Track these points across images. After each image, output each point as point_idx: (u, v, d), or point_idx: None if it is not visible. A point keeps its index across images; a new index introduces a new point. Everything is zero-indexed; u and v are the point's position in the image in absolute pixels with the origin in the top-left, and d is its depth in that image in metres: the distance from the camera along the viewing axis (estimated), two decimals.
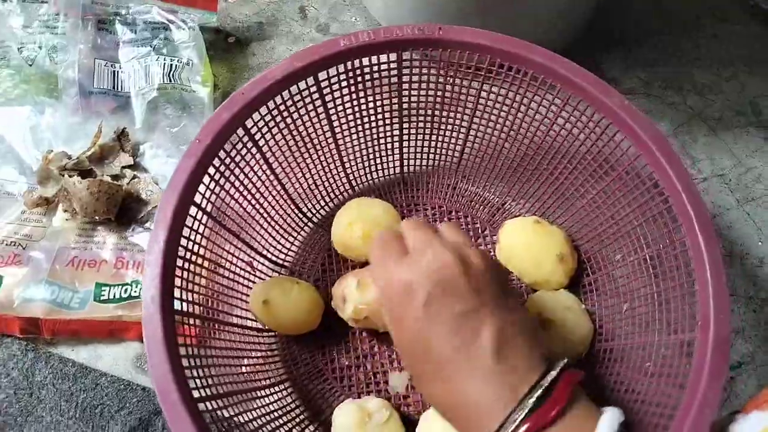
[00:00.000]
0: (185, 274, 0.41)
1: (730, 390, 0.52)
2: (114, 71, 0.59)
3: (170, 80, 0.58)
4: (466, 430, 0.34)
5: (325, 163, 0.54)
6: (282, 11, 0.67)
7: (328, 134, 0.52)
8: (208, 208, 0.45)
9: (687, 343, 0.40)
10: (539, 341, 0.36)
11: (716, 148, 0.62)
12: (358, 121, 0.53)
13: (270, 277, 0.53)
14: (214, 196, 0.45)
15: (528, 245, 0.51)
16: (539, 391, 0.32)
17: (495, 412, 0.32)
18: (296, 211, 0.55)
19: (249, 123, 0.46)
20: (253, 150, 0.48)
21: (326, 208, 0.57)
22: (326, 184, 0.56)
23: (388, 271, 0.36)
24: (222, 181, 0.46)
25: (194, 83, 0.59)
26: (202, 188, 0.43)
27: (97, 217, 0.53)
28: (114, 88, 0.59)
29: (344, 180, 0.57)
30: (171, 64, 0.59)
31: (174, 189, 0.41)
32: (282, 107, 0.47)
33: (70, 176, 0.54)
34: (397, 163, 0.58)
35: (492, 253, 0.55)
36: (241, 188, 0.48)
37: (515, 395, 0.32)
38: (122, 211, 0.55)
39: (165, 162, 0.57)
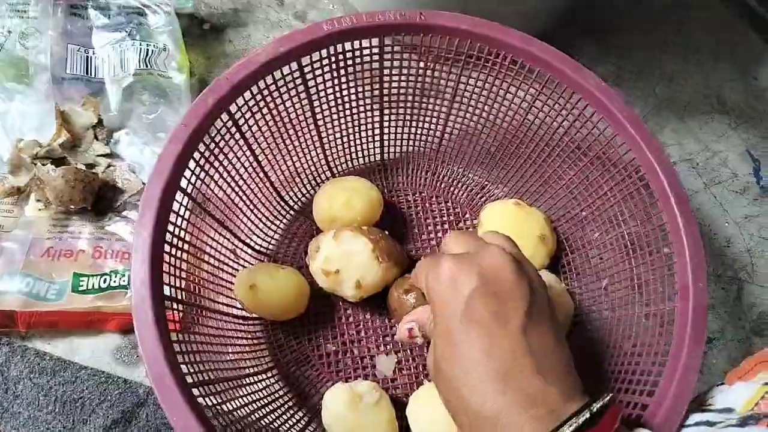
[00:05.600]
0: (172, 260, 0.41)
1: (702, 364, 0.54)
2: (87, 57, 0.58)
3: (146, 66, 0.57)
4: None
5: (306, 150, 0.54)
6: None
7: (310, 120, 0.52)
8: (194, 194, 0.44)
9: (664, 315, 0.42)
10: (574, 368, 0.34)
11: (684, 134, 0.65)
12: (340, 107, 0.53)
13: (253, 265, 0.52)
14: (199, 182, 0.45)
15: (509, 227, 0.52)
16: (587, 415, 0.29)
17: (528, 430, 0.29)
18: (278, 198, 0.55)
19: (233, 108, 0.45)
20: (237, 136, 0.47)
21: (307, 195, 0.57)
22: (307, 171, 0.56)
23: (438, 264, 0.35)
24: (207, 167, 0.45)
25: (170, 69, 0.58)
26: (187, 173, 0.43)
27: (72, 206, 0.52)
28: (87, 73, 0.57)
29: (325, 167, 0.57)
30: (147, 50, 0.58)
31: (160, 174, 0.40)
32: (266, 92, 0.47)
33: (43, 164, 0.53)
34: (378, 149, 0.58)
35: None
36: (225, 175, 0.48)
37: (554, 417, 0.30)
38: (98, 200, 0.54)
39: (141, 150, 0.56)
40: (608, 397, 0.31)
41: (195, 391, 0.37)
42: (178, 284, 0.41)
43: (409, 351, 0.52)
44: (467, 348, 0.32)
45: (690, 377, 0.38)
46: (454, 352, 0.33)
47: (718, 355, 0.55)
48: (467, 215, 0.58)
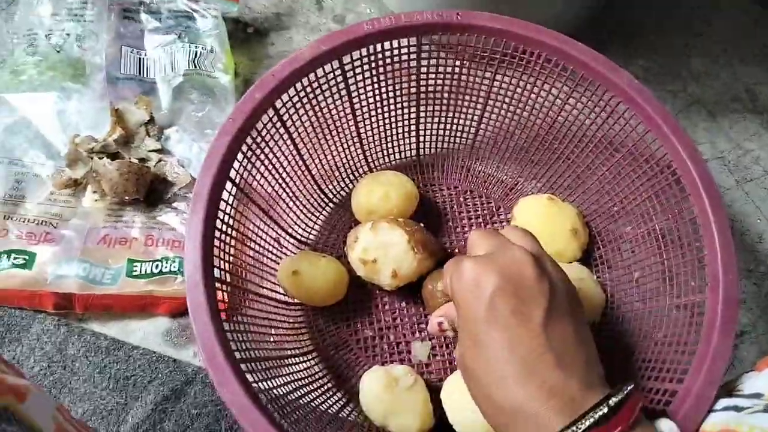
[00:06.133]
0: (221, 245, 0.43)
1: (734, 357, 0.55)
2: (140, 58, 0.61)
3: (195, 67, 0.61)
4: None
5: (345, 145, 0.57)
6: (298, 2, 0.70)
7: (350, 116, 0.55)
8: (241, 185, 0.47)
9: (695, 306, 0.43)
10: (598, 361, 0.35)
11: (715, 132, 0.66)
12: (378, 104, 0.55)
13: (295, 253, 0.55)
14: (246, 173, 0.47)
15: (542, 221, 0.54)
16: (605, 409, 0.30)
17: (548, 420, 0.31)
18: (318, 191, 0.57)
19: (278, 104, 0.48)
20: (281, 130, 0.50)
21: (346, 189, 0.59)
22: (346, 165, 0.58)
23: (460, 266, 0.36)
24: (253, 159, 0.48)
25: (217, 70, 0.61)
26: (235, 165, 0.45)
27: (126, 197, 0.55)
28: (140, 74, 0.61)
29: (363, 162, 0.59)
30: (195, 51, 0.61)
31: (210, 166, 0.43)
32: (309, 89, 0.49)
33: (99, 158, 0.56)
34: (414, 146, 0.60)
35: None
36: (270, 167, 0.50)
37: (575, 408, 0.31)
38: (150, 192, 0.57)
39: (190, 146, 0.59)
40: (629, 388, 0.32)
41: (243, 367, 0.39)
42: (226, 268, 0.44)
43: (442, 338, 0.54)
44: (490, 346, 0.33)
45: (719, 365, 0.39)
46: (478, 350, 0.34)
47: (749, 349, 0.55)
48: (501, 209, 0.60)
